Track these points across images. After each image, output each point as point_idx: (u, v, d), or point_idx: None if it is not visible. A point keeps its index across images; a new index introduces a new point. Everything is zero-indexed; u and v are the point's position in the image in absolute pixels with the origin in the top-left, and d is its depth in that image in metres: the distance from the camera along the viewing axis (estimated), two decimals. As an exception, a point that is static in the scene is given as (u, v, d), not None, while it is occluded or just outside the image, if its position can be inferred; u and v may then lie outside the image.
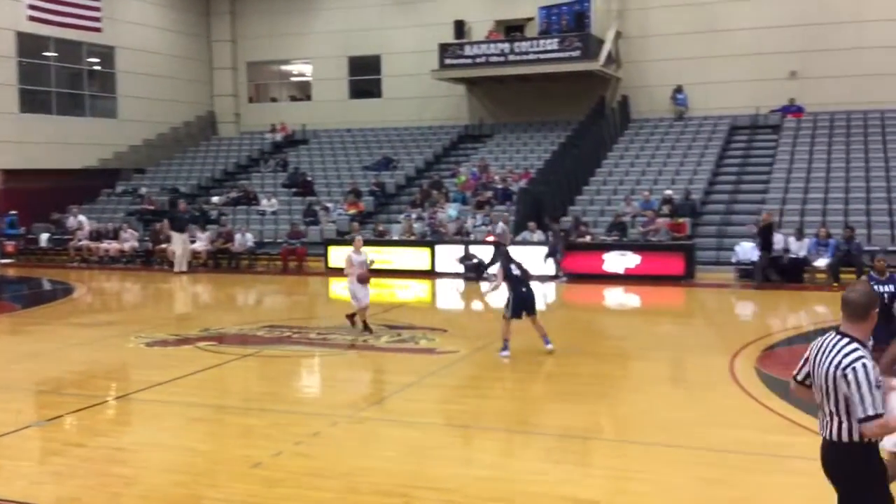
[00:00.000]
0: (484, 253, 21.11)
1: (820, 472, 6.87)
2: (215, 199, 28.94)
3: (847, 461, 4.27)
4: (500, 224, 21.64)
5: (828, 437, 4.33)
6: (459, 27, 30.15)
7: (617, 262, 20.32)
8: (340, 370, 11.83)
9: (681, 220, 21.58)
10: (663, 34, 28.58)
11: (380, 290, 20.47)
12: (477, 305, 18.77)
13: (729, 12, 27.75)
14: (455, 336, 13.59)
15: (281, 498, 6.63)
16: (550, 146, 28.20)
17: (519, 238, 21.89)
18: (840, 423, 4.23)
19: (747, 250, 19.61)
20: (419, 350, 12.52)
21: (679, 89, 28.54)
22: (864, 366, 4.12)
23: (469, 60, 29.05)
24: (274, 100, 36.47)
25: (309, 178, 29.16)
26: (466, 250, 21.46)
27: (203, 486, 6.96)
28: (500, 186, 25.50)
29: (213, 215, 26.97)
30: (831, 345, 4.31)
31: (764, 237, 19.04)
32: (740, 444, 7.87)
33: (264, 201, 27.65)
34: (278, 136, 33.66)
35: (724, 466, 7.30)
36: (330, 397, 10.43)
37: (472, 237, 22.72)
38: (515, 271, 11.65)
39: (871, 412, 4.08)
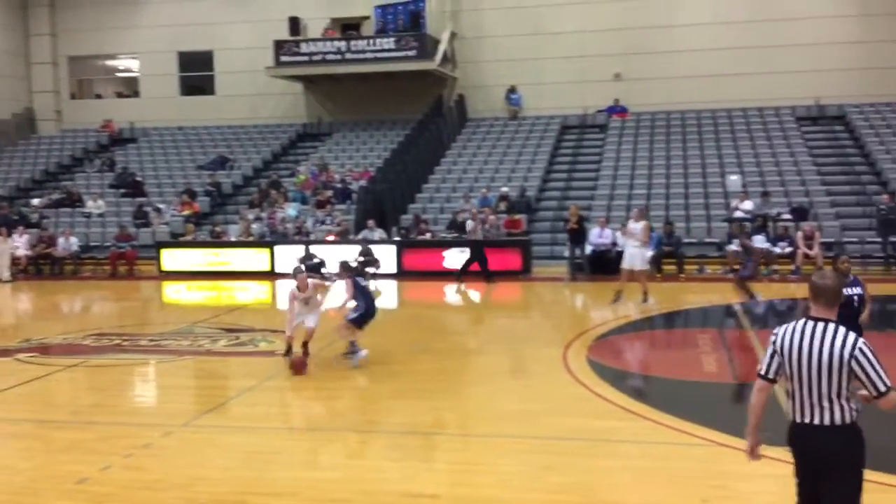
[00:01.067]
0: (325, 252, 20.94)
1: (647, 453, 7.21)
2: (35, 201, 27.21)
3: (851, 444, 4.35)
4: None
5: (827, 423, 4.34)
6: (294, 24, 29.73)
7: (457, 258, 20.65)
8: (175, 377, 11.40)
9: (517, 216, 22.21)
10: (496, 35, 29.32)
11: (218, 293, 19.94)
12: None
13: (556, 16, 28.83)
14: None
15: (110, 514, 6.31)
16: (390, 145, 28.33)
17: (359, 236, 21.89)
18: (841, 407, 4.31)
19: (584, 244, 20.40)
20: (259, 353, 12.26)
21: (513, 89, 29.37)
22: (867, 345, 4.31)
23: (305, 58, 28.73)
24: (99, 96, 34.71)
25: (139, 179, 27.94)
26: (307, 250, 21.18)
27: (23, 507, 6.52)
28: (339, 185, 25.37)
29: (34, 218, 25.34)
30: (820, 332, 4.37)
31: (578, 231, 19.77)
32: (574, 431, 8.18)
33: (90, 203, 26.24)
34: (104, 135, 32.01)
35: (559, 453, 7.56)
36: (163, 406, 10.02)
37: (312, 237, 22.47)
38: (363, 283, 11.49)
39: (883, 387, 4.24)
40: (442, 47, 28.59)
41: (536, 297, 19.07)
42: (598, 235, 20.12)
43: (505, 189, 23.70)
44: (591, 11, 28.68)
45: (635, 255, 15.53)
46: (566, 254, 20.60)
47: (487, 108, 29.87)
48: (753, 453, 4.75)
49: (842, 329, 4.37)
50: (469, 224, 20.59)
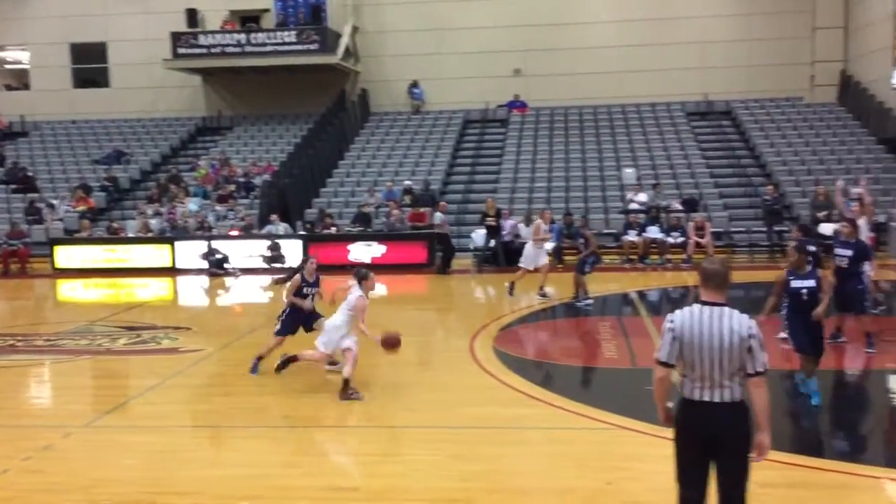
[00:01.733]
0: (228, 248, 20.67)
1: (553, 439, 7.47)
2: (-84, 198, 25.83)
3: (746, 418, 4.67)
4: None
5: (728, 400, 4.64)
6: (192, 16, 29.09)
7: (362, 252, 20.67)
8: (73, 378, 11.08)
9: (422, 209, 22.37)
10: (398, 30, 29.39)
11: (116, 291, 19.39)
12: (223, 301, 18.35)
13: (457, 11, 29.10)
14: (200, 334, 13.20)
15: (12, 519, 6.15)
16: (293, 139, 28.08)
17: (264, 231, 21.65)
18: (739, 385, 4.64)
19: (482, 237, 20.73)
20: (161, 351, 12.03)
21: (415, 84, 29.49)
22: (758, 327, 4.66)
23: (204, 50, 28.15)
24: (-14, 88, 33.12)
25: (30, 174, 26.84)
26: (210, 245, 20.83)
27: (-83, 516, 6.28)
28: (242, 180, 25.00)
29: (-86, 216, 24.08)
30: (716, 316, 4.65)
31: (495, 224, 20.17)
32: (482, 419, 8.37)
33: (-23, 199, 25.07)
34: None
35: (469, 442, 7.73)
36: (62, 407, 9.74)
37: (214, 232, 22.09)
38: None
39: (762, 368, 4.62)
40: (344, 41, 28.48)
41: (442, 289, 19.26)
42: (510, 227, 20.57)
43: (409, 182, 23.83)
44: (493, 8, 29.06)
45: (532, 255, 15.91)
46: (472, 246, 20.90)
47: (390, 102, 29.92)
48: (668, 423, 4.97)
49: (735, 312, 4.68)
50: (437, 217, 20.74)
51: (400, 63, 29.44)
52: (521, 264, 16.08)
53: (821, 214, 19.85)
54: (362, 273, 9.52)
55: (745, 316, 4.69)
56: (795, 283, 8.60)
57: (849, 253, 10.43)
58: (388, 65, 29.67)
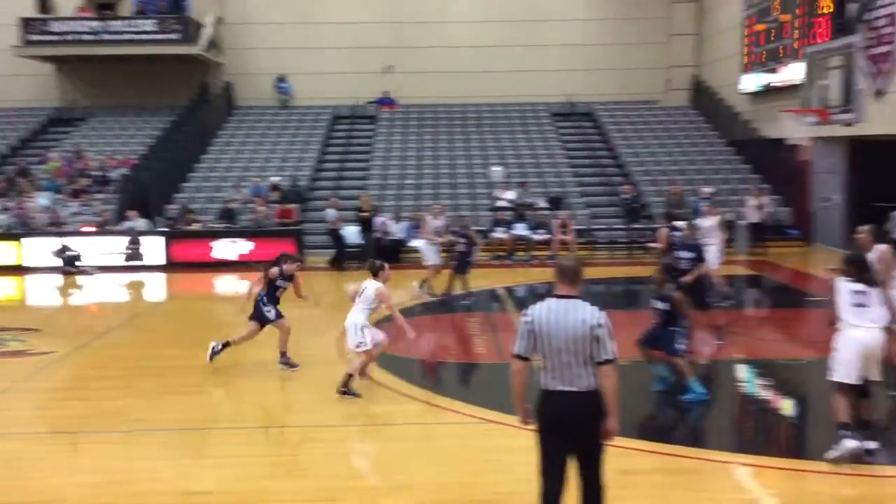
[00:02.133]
0: (82, 244, 19.72)
1: (422, 434, 7.53)
2: None
3: (600, 406, 4.87)
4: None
5: (584, 389, 4.85)
6: (43, 1, 27.55)
7: (228, 249, 20.17)
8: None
9: (289, 205, 22.05)
10: (264, 22, 28.84)
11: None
12: (76, 301, 17.50)
13: (325, 5, 28.84)
14: (51, 335, 12.55)
15: None
16: (153, 132, 27.06)
17: (121, 227, 20.79)
18: (592, 373, 4.85)
19: (352, 233, 20.61)
20: (8, 353, 11.36)
21: (282, 78, 29.01)
22: (606, 317, 4.88)
23: (56, 38, 26.77)
24: None
25: None
26: (63, 243, 19.79)
27: None
28: (97, 173, 23.90)
29: None
30: (569, 308, 4.87)
31: (368, 220, 20.11)
32: (354, 417, 8.35)
33: None
34: None
35: (340, 440, 7.70)
36: None
37: (67, 227, 21.01)
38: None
39: (611, 356, 4.85)
40: (207, 32, 27.69)
41: (309, 286, 18.99)
42: (379, 224, 20.55)
43: (276, 178, 23.44)
44: (361, 3, 28.94)
45: (428, 251, 16.20)
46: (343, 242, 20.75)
47: (256, 96, 29.29)
48: (527, 422, 5.17)
49: (587, 304, 4.94)
50: (330, 213, 20.32)
51: (266, 56, 28.88)
52: (426, 262, 16.18)
53: (675, 213, 20.80)
54: (377, 266, 9.49)
55: (596, 308, 4.92)
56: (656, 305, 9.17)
57: (689, 255, 11.00)
58: (254, 58, 29.04)
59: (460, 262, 15.11)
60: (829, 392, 7.19)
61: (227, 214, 21.48)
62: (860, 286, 6.99)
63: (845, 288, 7.03)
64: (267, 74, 29.00)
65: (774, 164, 23.26)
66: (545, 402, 4.95)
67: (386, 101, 29.00)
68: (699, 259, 11.10)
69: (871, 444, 7.00)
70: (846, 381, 6.94)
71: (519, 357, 5.00)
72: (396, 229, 20.97)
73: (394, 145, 26.66)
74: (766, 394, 9.66)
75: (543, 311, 4.93)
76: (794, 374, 10.20)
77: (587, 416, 4.88)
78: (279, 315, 10.34)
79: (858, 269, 7.13)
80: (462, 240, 15.32)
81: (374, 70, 28.82)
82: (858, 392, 7.16)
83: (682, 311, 9.06)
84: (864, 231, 8.77)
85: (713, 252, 13.26)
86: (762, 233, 20.86)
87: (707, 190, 21.54)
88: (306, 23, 28.72)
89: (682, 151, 25.83)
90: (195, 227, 20.96)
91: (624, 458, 5.38)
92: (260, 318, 10.27)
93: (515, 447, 7.28)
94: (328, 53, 28.74)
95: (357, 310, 9.22)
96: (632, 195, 22.11)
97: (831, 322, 7.14)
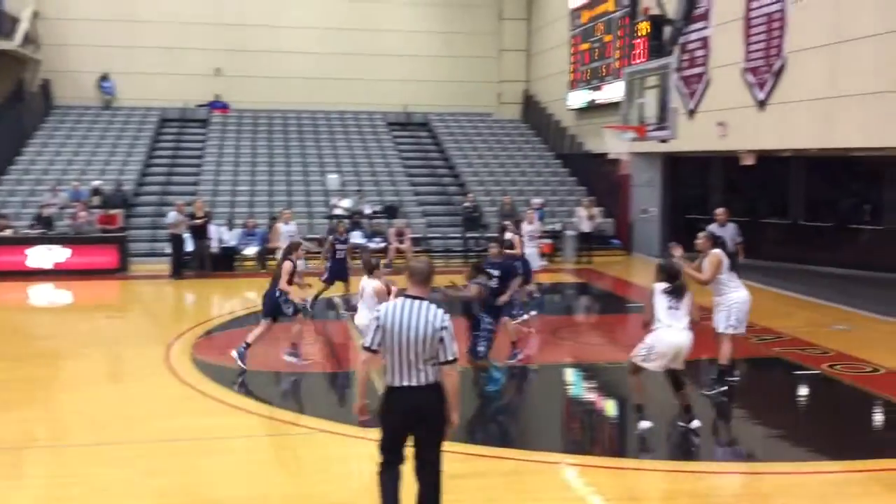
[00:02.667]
0: None
1: (253, 447, 7.40)
2: None
3: (441, 397, 5.19)
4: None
5: (424, 383, 5.15)
6: None
7: (43, 256, 18.96)
8: None
9: (112, 211, 20.98)
10: (85, 19, 27.38)
11: None
12: None
13: (150, 3, 27.77)
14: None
15: None
16: (-42, 130, 25.05)
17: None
18: (434, 369, 5.15)
19: (187, 240, 19.86)
20: None
21: (105, 77, 27.65)
22: (450, 320, 5.19)
23: None
24: None
25: None
26: None
27: None
28: None
29: None
30: (416, 308, 5.16)
31: (202, 227, 19.41)
32: (179, 431, 8.04)
33: None
34: None
35: (165, 456, 7.38)
36: None
37: None
38: None
39: (452, 356, 5.17)
40: (23, 26, 25.96)
41: (135, 295, 18.21)
42: (212, 231, 19.91)
43: (98, 182, 22.27)
44: (190, 4, 28.06)
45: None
46: (167, 250, 19.93)
47: (76, 95, 27.73)
48: (363, 413, 5.46)
49: (433, 306, 5.24)
50: (172, 216, 19.19)
51: (87, 54, 27.40)
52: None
53: (507, 222, 21.42)
54: (372, 264, 9.89)
55: (441, 310, 5.23)
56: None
57: (497, 273, 10.53)
58: (75, 55, 27.48)
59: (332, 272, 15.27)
60: (652, 393, 7.63)
61: (43, 220, 20.20)
62: (672, 291, 7.69)
63: (660, 292, 7.70)
64: (89, 73, 27.56)
65: (598, 177, 24.47)
66: (392, 396, 5.24)
67: (218, 105, 28.23)
68: (510, 275, 10.65)
69: (696, 423, 7.83)
70: (645, 365, 7.76)
71: (367, 349, 5.25)
72: (229, 237, 20.43)
73: (226, 150, 25.99)
74: (590, 396, 10.10)
75: (392, 309, 5.22)
76: (617, 377, 10.72)
77: (429, 406, 5.18)
78: (296, 311, 10.54)
79: (671, 276, 7.81)
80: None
81: (204, 72, 28.02)
82: (674, 385, 7.88)
83: (479, 306, 9.84)
84: (702, 237, 9.47)
85: (534, 256, 14.41)
86: (588, 242, 21.85)
87: (537, 201, 22.33)
88: (131, 21, 27.55)
89: (513, 163, 26.66)
90: (7, 233, 19.58)
91: (450, 463, 5.48)
92: (276, 313, 10.38)
93: (349, 456, 7.28)
94: (155, 53, 27.66)
95: (363, 309, 9.45)
96: (472, 204, 22.61)
97: (646, 324, 7.80)
